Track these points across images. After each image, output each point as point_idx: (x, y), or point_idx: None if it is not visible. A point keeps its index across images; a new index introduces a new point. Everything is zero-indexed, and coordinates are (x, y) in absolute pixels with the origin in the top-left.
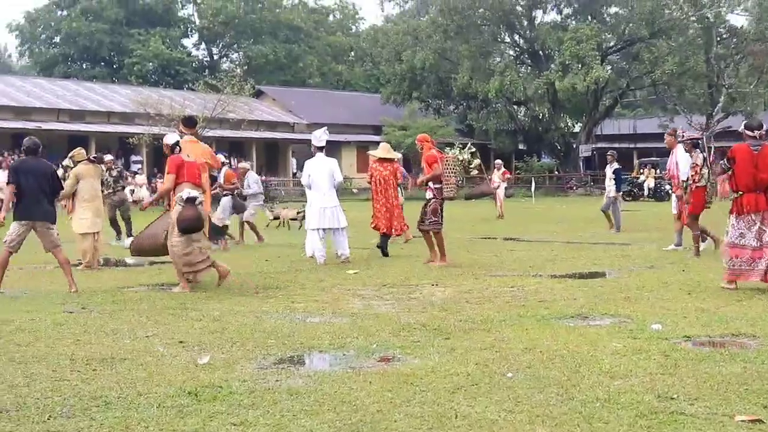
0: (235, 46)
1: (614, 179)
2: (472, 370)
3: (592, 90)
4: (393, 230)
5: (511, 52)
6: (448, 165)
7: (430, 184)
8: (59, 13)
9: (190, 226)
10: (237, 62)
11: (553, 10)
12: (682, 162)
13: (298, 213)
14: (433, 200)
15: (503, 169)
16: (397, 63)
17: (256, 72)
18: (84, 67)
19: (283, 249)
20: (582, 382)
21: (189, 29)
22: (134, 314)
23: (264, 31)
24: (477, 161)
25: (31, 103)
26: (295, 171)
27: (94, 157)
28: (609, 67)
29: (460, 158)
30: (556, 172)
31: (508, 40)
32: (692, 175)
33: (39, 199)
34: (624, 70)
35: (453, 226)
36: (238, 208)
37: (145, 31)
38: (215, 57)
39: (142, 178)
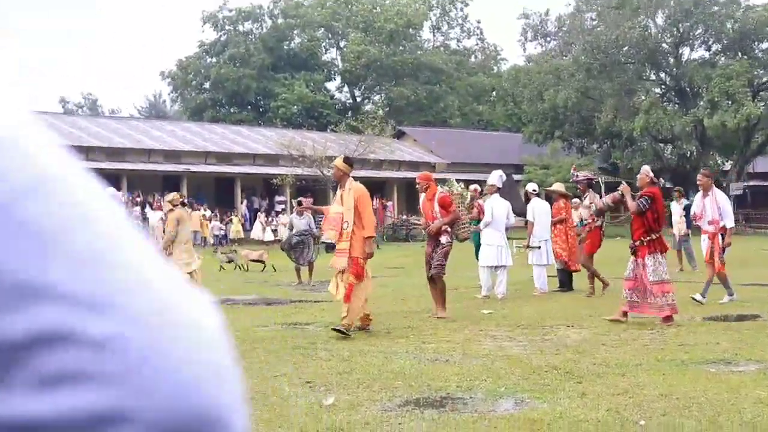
0: (377, 88)
1: None
2: (602, 416)
3: (743, 127)
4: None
5: (657, 90)
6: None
7: (447, 227)
8: (208, 60)
9: None
10: (378, 104)
11: (701, 47)
12: (723, 204)
13: (261, 255)
14: (448, 243)
15: None
16: (539, 102)
17: (397, 113)
18: (232, 111)
19: (421, 289)
20: None
21: (332, 73)
22: (264, 353)
23: (405, 73)
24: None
25: (180, 146)
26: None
27: (188, 200)
28: (762, 104)
29: (465, 194)
30: None
31: (653, 77)
32: (590, 215)
33: None
34: None
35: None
36: None
37: (290, 75)
38: (358, 99)
39: (285, 218)
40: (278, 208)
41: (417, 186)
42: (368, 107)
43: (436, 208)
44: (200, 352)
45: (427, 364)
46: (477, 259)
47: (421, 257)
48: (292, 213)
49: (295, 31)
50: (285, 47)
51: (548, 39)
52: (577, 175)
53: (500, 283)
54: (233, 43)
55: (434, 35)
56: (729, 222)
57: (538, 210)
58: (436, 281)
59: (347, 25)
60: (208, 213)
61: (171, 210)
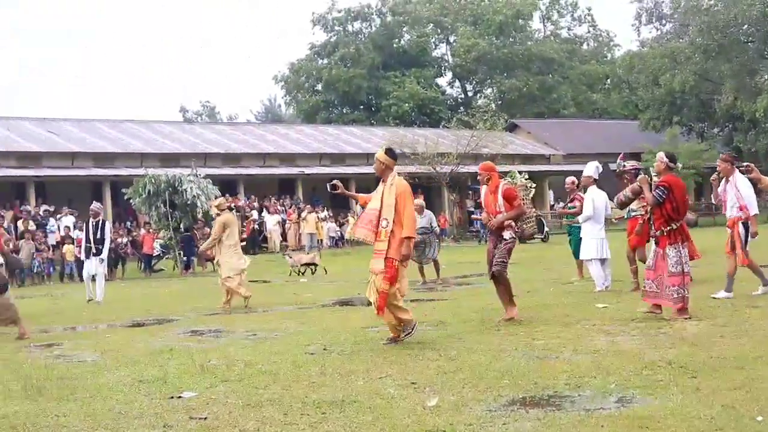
0: (489, 81)
1: None
2: (716, 412)
3: None
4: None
5: None
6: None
7: (511, 222)
8: (320, 61)
9: None
10: (490, 97)
11: None
12: (744, 190)
13: (312, 258)
14: (512, 240)
15: None
16: (656, 87)
17: (509, 106)
18: (344, 111)
19: (534, 283)
20: None
21: (443, 68)
22: (372, 354)
23: (516, 65)
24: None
25: (295, 149)
26: (552, 203)
27: (235, 206)
28: None
29: (529, 185)
30: None
31: None
32: (644, 206)
33: None
34: None
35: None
36: None
37: (400, 73)
38: (469, 94)
39: None
40: None
41: (478, 177)
42: (480, 101)
43: (500, 201)
44: None
45: (536, 362)
46: (573, 252)
47: (537, 252)
48: None
49: (404, 29)
50: (395, 45)
51: (663, 22)
52: (624, 165)
53: (606, 275)
54: (343, 43)
55: (544, 25)
56: (752, 209)
57: None
58: (499, 279)
59: (456, 19)
60: (323, 214)
61: (218, 214)
